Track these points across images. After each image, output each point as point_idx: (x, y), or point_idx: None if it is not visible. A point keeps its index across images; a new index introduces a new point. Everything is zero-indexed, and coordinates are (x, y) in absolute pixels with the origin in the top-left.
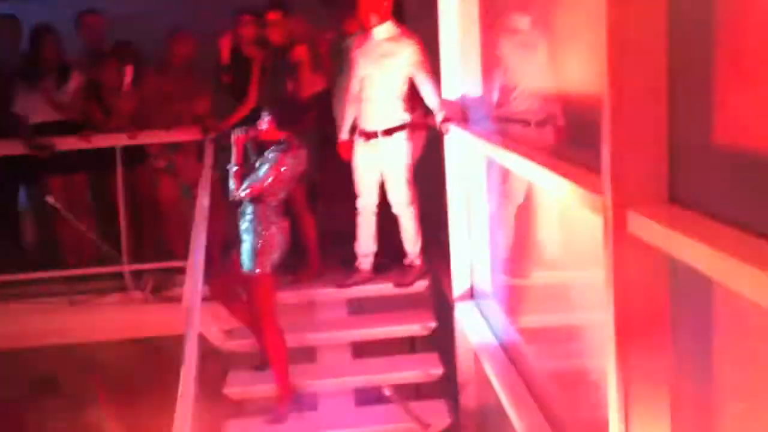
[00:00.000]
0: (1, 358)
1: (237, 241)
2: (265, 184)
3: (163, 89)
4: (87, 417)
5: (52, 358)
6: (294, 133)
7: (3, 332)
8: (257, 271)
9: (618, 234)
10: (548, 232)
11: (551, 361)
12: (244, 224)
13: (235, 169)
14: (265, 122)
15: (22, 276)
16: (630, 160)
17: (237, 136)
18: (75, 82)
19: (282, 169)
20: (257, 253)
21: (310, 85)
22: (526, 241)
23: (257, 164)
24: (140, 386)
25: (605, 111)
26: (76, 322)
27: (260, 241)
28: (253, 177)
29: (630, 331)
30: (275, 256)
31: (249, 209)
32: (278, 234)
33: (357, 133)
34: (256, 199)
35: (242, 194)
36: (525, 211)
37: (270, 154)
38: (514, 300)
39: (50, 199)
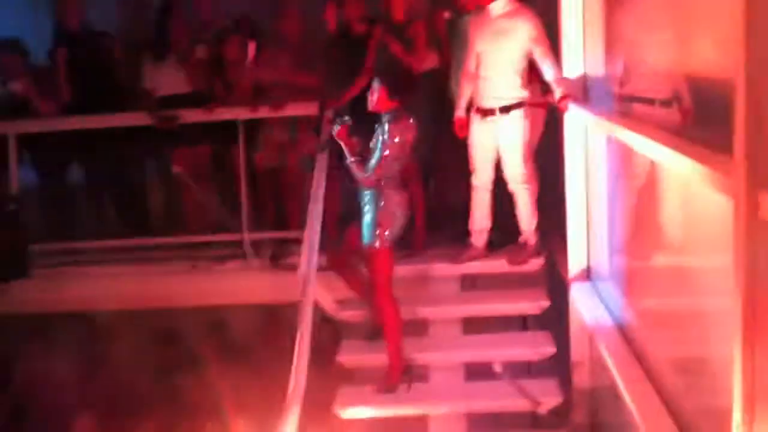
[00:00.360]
0: (128, 317)
1: (353, 214)
2: (382, 159)
3: (280, 64)
4: (206, 376)
5: (174, 319)
6: (404, 103)
7: (130, 293)
8: (377, 244)
9: (749, 218)
10: (671, 213)
11: (671, 346)
12: (365, 198)
13: (352, 160)
14: (376, 91)
15: (148, 241)
16: (766, 141)
17: (337, 130)
18: (200, 55)
19: (395, 140)
20: (377, 227)
21: (425, 61)
22: (648, 223)
23: (372, 144)
24: (256, 349)
25: (739, 89)
26: (198, 286)
27: (381, 215)
28: (373, 159)
29: (758, 319)
30: (395, 229)
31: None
32: (398, 207)
33: (474, 110)
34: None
35: (369, 178)
36: (646, 191)
37: (380, 129)
38: (633, 282)
39: (175, 169)
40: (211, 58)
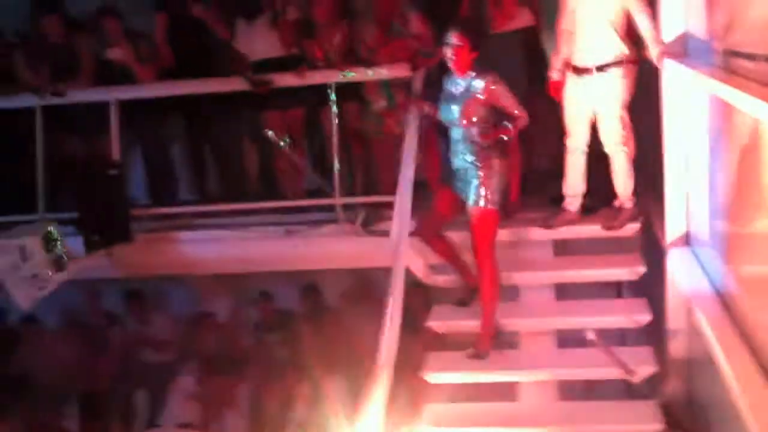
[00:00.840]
0: (225, 281)
1: (450, 177)
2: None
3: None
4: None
5: (269, 283)
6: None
7: (227, 257)
8: (480, 206)
9: None
10: None
11: None
12: (466, 160)
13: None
14: (455, 46)
15: (244, 206)
16: None
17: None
18: (291, 16)
19: (480, 97)
20: (484, 188)
21: (515, 18)
22: (752, 185)
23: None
24: (348, 312)
25: None
26: (291, 250)
27: (486, 174)
28: (514, 106)
29: None
30: (500, 189)
31: (467, 145)
32: (501, 168)
33: (569, 69)
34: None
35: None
36: (750, 151)
37: (472, 88)
38: (735, 248)
39: (269, 133)
40: (302, 20)
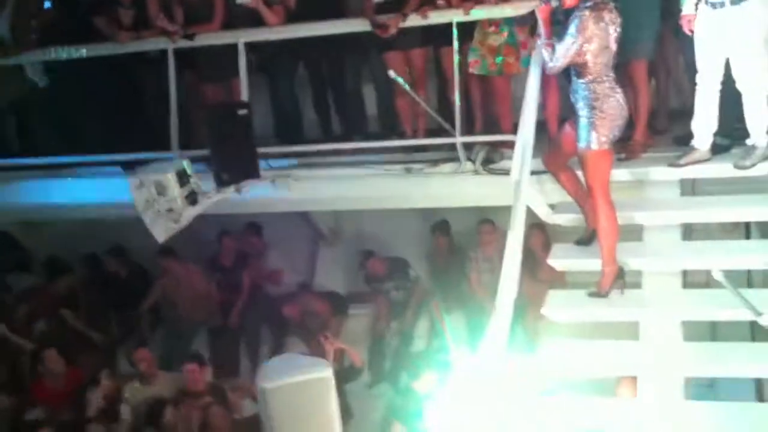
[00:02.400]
0: (346, 216)
1: (571, 114)
2: (571, 51)
3: None
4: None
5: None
6: None
7: (348, 194)
8: (592, 146)
9: None
10: None
11: None
12: (578, 97)
13: (542, 42)
14: None
15: (365, 144)
16: None
17: (540, 7)
18: None
19: (587, 31)
20: (593, 128)
21: None
22: None
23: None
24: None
25: None
26: (412, 189)
27: (596, 115)
28: (560, 46)
29: None
30: (611, 130)
31: (581, 82)
32: (614, 107)
33: (702, 1)
34: (583, 71)
35: (553, 65)
36: None
37: (576, 14)
38: None
39: (391, 73)
40: None
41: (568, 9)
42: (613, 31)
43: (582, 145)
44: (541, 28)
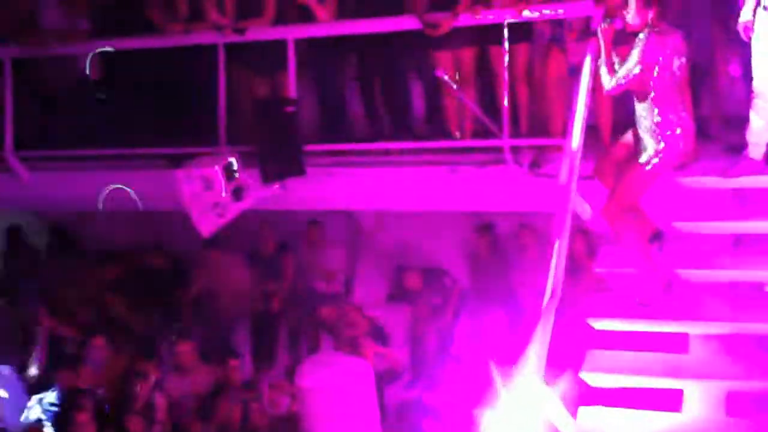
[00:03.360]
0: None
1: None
2: (632, 74)
3: None
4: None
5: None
6: (661, 15)
7: (392, 194)
8: (647, 167)
9: None
10: None
11: None
12: (640, 119)
13: (603, 62)
14: (630, 3)
15: (411, 144)
16: None
17: (603, 28)
18: None
19: (653, 57)
20: (653, 151)
21: None
22: None
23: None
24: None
25: None
26: (457, 190)
27: (655, 139)
28: (622, 69)
29: None
30: (671, 155)
31: (641, 106)
32: (677, 132)
33: (761, 7)
34: (643, 95)
35: (612, 89)
36: None
37: (639, 42)
38: None
39: (439, 73)
40: None
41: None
42: (677, 60)
43: (641, 160)
44: (603, 49)
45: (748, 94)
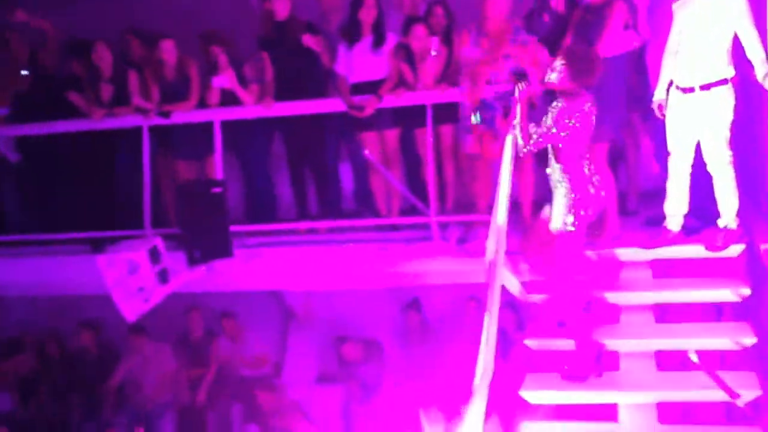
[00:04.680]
0: (319, 297)
1: (547, 197)
2: (548, 137)
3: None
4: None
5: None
6: (586, 86)
7: (322, 273)
8: (566, 228)
9: None
10: None
11: None
12: (554, 180)
13: (517, 123)
14: (557, 69)
15: (340, 223)
16: None
17: (521, 90)
18: (391, 44)
19: (568, 122)
20: (567, 210)
21: (620, 42)
22: None
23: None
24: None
25: None
26: (386, 268)
27: (570, 198)
28: (536, 131)
29: None
30: (584, 214)
31: (557, 166)
32: (589, 192)
33: (673, 87)
34: (559, 155)
35: (526, 149)
36: None
37: (555, 104)
38: None
39: (366, 153)
40: (399, 46)
41: (546, 92)
42: (586, 124)
43: (556, 226)
44: (518, 111)
45: (663, 169)
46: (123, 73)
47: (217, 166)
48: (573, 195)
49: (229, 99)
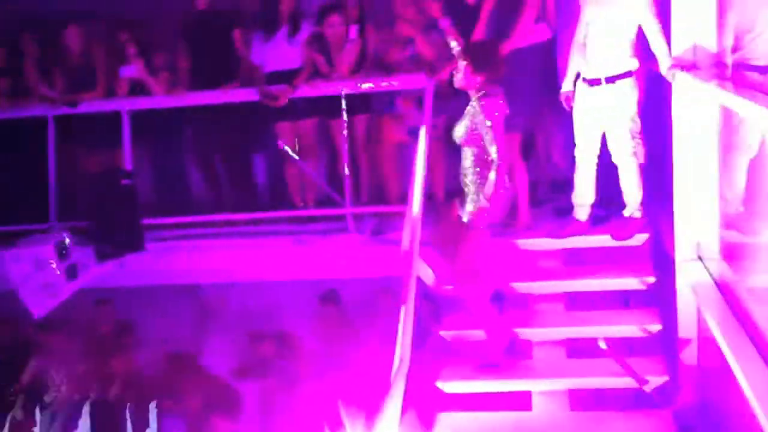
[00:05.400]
0: (235, 289)
1: (458, 189)
2: (491, 129)
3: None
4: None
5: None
6: (494, 80)
7: (236, 266)
8: (473, 220)
9: None
10: None
11: None
12: (465, 172)
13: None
14: (461, 68)
15: (254, 215)
16: None
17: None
18: (306, 34)
19: (495, 115)
20: (474, 207)
21: (531, 34)
22: (761, 197)
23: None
24: (359, 321)
25: None
26: (301, 260)
27: (477, 190)
28: (493, 142)
29: None
30: (491, 205)
31: (468, 157)
32: (495, 183)
33: (580, 80)
34: (472, 146)
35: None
36: (759, 164)
37: (473, 108)
38: (745, 258)
39: (281, 144)
40: (313, 35)
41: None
42: (502, 115)
43: (466, 218)
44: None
45: (572, 160)
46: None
47: (126, 157)
48: (478, 188)
49: (140, 88)
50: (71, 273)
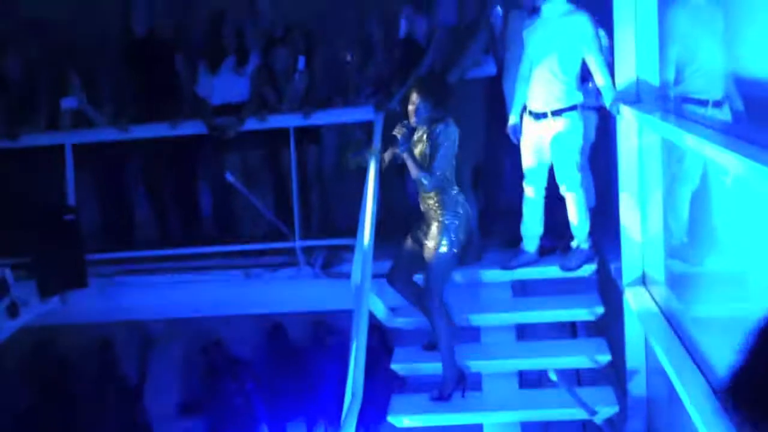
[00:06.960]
0: (181, 325)
1: (411, 219)
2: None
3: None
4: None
5: (222, 327)
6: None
7: (184, 302)
8: (446, 249)
9: None
10: (728, 216)
11: (733, 353)
12: (428, 204)
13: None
14: (416, 104)
15: (202, 249)
16: None
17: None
18: (253, 66)
19: (448, 142)
20: (447, 231)
21: (480, 67)
22: (703, 226)
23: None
24: (308, 356)
25: None
26: (251, 294)
27: (449, 219)
28: (435, 160)
29: None
30: (463, 233)
31: (428, 189)
32: (464, 211)
33: (526, 112)
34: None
35: (434, 179)
36: (702, 195)
37: (428, 131)
38: (690, 287)
39: (228, 176)
40: (261, 67)
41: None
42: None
43: (431, 248)
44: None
45: (520, 193)
46: None
47: (70, 191)
48: (451, 217)
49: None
50: (12, 311)
